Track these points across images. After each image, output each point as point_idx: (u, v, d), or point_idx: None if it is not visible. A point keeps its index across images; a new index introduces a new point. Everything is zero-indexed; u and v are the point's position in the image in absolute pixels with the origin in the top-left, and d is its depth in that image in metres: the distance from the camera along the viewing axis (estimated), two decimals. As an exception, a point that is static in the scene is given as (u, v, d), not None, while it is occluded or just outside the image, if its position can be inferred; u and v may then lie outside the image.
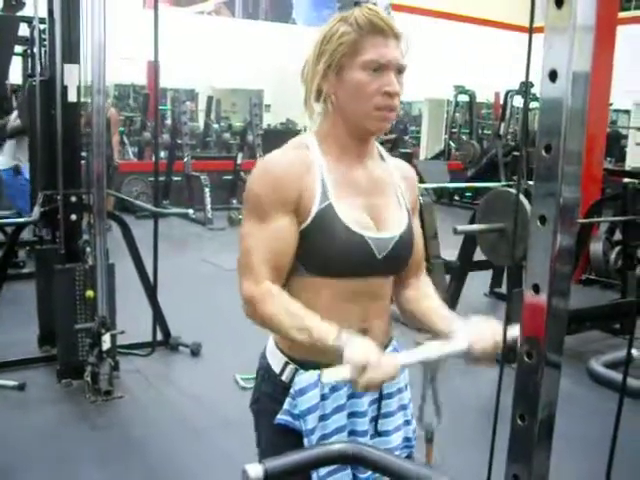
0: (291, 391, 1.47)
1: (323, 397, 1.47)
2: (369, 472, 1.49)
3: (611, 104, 8.65)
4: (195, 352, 4.59)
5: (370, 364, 1.25)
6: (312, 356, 1.45)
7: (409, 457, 1.64)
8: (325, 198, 1.44)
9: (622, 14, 8.01)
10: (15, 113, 6.77)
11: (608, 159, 11.62)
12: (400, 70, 1.45)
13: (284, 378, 1.51)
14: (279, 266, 1.44)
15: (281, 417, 1.49)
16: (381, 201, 1.53)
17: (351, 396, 1.50)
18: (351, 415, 1.50)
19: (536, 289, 0.97)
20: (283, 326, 1.40)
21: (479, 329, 1.44)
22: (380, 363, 1.27)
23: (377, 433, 1.56)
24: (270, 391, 1.54)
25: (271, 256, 1.43)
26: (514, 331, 1.35)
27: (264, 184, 1.44)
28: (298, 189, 1.43)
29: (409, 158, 6.93)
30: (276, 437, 1.51)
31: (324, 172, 1.46)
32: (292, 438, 1.46)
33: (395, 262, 1.53)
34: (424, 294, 1.65)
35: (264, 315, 1.41)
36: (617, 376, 1.28)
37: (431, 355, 1.32)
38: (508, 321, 1.37)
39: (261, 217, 1.43)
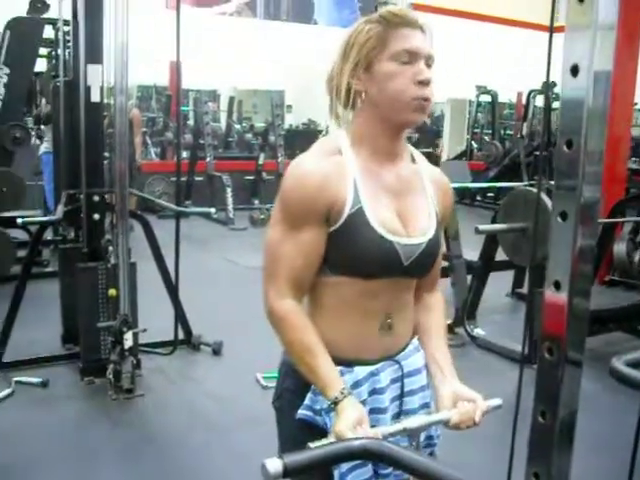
0: (312, 386, 1.47)
1: None
2: (390, 468, 1.49)
3: (636, 104, 8.56)
4: (217, 351, 4.60)
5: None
6: (333, 353, 1.46)
7: (431, 455, 1.64)
8: (357, 201, 1.42)
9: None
10: (44, 100, 6.91)
11: (633, 159, 11.48)
12: (429, 61, 1.43)
13: None
14: (303, 280, 1.46)
15: (302, 412, 1.49)
16: (411, 203, 1.52)
17: (372, 392, 1.50)
18: (373, 411, 1.50)
19: (557, 286, 0.97)
20: (292, 352, 1.47)
21: (463, 407, 1.46)
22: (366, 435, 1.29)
23: None
24: (292, 386, 1.55)
25: (297, 272, 1.44)
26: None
27: (300, 196, 1.41)
28: (333, 198, 1.41)
29: (429, 157, 6.93)
30: (297, 432, 1.51)
31: (356, 175, 1.44)
32: (313, 433, 1.45)
33: (419, 268, 1.53)
34: (427, 309, 1.66)
35: (279, 332, 1.47)
36: (639, 375, 1.27)
37: (414, 425, 1.38)
38: (529, 322, 1.36)
39: (293, 226, 1.43)
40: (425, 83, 1.41)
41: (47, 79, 6.13)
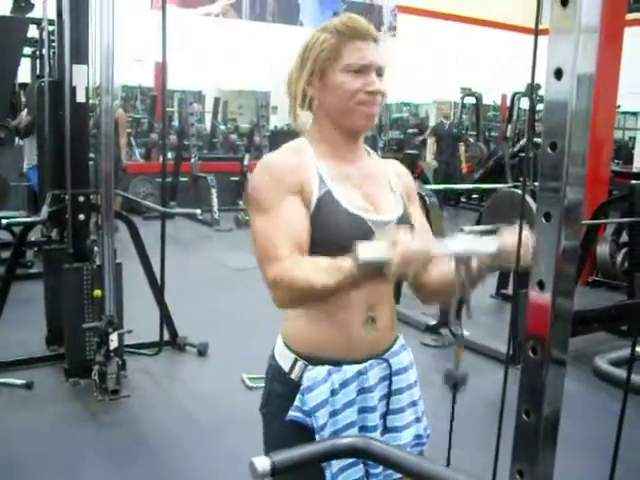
0: (301, 387, 1.48)
1: (333, 392, 1.48)
2: (381, 467, 1.50)
3: (619, 106, 8.63)
4: (202, 352, 4.60)
5: (402, 239, 1.24)
6: (320, 353, 1.46)
7: (420, 454, 1.64)
8: (323, 186, 1.49)
9: (630, 15, 7.97)
10: (26, 110, 6.85)
11: (616, 161, 11.57)
12: (380, 71, 1.52)
13: (293, 376, 1.52)
14: (300, 242, 1.44)
15: (292, 414, 1.49)
16: (375, 190, 1.58)
17: (361, 391, 1.51)
18: (361, 410, 1.51)
19: (541, 286, 0.98)
20: (314, 281, 1.36)
21: (510, 234, 1.33)
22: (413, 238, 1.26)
23: (386, 429, 1.57)
24: (280, 391, 1.55)
25: (290, 235, 1.44)
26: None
27: (265, 177, 1.48)
28: (298, 177, 1.48)
29: (414, 159, 6.94)
30: (288, 434, 1.51)
31: (319, 167, 1.51)
32: (303, 435, 1.45)
33: None
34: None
35: (293, 281, 1.37)
36: (622, 373, 1.28)
37: (461, 248, 1.30)
38: (515, 322, 1.37)
39: (269, 207, 1.45)
40: (374, 93, 1.50)
41: (33, 89, 6.10)
